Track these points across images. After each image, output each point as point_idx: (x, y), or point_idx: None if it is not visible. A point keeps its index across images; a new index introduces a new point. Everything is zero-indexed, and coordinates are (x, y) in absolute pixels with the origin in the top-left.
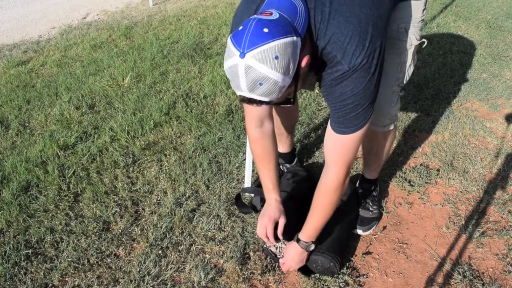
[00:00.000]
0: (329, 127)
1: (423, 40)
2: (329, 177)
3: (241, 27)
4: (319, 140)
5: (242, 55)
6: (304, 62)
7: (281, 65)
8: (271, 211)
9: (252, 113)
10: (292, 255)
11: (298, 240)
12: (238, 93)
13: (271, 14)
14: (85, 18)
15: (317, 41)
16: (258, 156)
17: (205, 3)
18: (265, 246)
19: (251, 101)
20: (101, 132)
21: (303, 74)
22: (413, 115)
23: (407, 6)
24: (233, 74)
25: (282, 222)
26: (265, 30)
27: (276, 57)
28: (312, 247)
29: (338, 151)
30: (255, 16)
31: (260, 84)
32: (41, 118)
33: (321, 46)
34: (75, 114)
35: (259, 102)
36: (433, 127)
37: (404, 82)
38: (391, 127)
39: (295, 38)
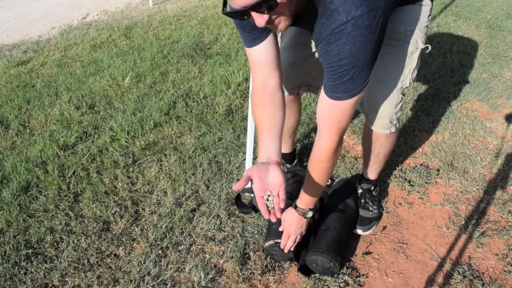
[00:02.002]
0: (322, 94)
1: (428, 45)
2: (322, 145)
3: None
4: None
5: None
6: None
7: None
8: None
9: (258, 67)
10: (290, 221)
11: (295, 207)
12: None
13: None
14: (85, 18)
15: None
16: (258, 119)
17: (205, 3)
18: (265, 245)
19: (254, 7)
20: (101, 132)
21: None
22: (413, 115)
23: (414, 10)
24: None
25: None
26: None
27: None
28: (310, 214)
29: (331, 118)
30: None
31: None
32: (41, 118)
33: None
34: (75, 114)
35: (262, 2)
36: (433, 127)
37: (408, 85)
38: (393, 130)
39: None
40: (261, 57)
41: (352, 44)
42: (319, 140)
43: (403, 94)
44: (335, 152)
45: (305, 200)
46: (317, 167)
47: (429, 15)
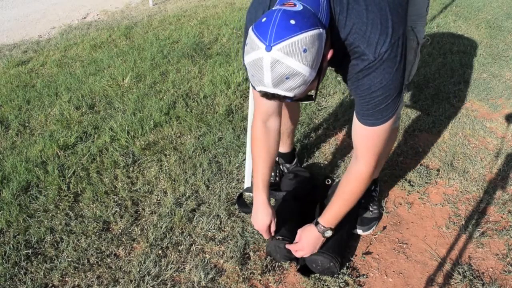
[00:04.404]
0: (355, 120)
1: (427, 38)
2: (359, 169)
3: (264, 19)
4: (319, 140)
5: (269, 48)
6: (329, 55)
7: (310, 58)
8: (262, 217)
9: (262, 107)
10: (308, 238)
11: (316, 223)
12: (260, 88)
13: (294, 5)
14: (85, 18)
15: (337, 33)
16: (257, 153)
17: (205, 3)
18: (276, 238)
19: (274, 96)
20: (101, 132)
21: (325, 68)
22: (413, 115)
23: (413, 4)
24: (256, 68)
25: (272, 224)
26: (292, 21)
27: (305, 50)
28: (329, 233)
29: (367, 143)
30: (279, 7)
31: (287, 78)
32: (41, 118)
33: (342, 37)
34: (75, 114)
35: (283, 98)
36: (433, 127)
37: (409, 80)
38: (395, 125)
39: (321, 30)
40: (266, 106)
41: (381, 77)
42: (355, 163)
43: (405, 89)
44: (371, 174)
45: (328, 219)
46: (350, 189)
47: (427, 6)
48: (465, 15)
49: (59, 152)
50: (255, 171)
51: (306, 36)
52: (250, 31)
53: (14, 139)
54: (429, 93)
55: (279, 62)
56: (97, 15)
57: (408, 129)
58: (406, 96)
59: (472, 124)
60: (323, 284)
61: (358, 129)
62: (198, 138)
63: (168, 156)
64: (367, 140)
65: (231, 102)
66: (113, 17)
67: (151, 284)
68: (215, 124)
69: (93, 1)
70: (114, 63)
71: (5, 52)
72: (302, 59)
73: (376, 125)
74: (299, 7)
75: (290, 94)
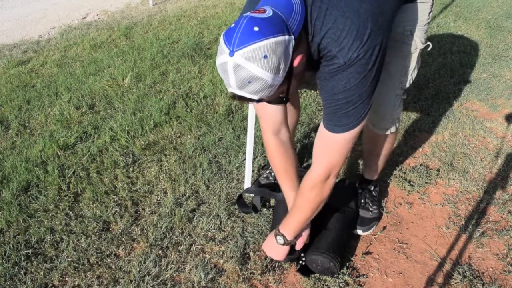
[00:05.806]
0: (321, 123)
1: (428, 43)
2: (310, 174)
3: (233, 25)
4: None
5: (231, 53)
6: (297, 61)
7: (270, 64)
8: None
9: (267, 120)
10: (268, 238)
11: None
12: (229, 90)
13: (264, 11)
14: (85, 18)
15: (313, 38)
16: (280, 166)
17: (205, 3)
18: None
19: (241, 98)
20: (101, 132)
21: (298, 73)
22: (413, 115)
23: (414, 9)
24: (223, 71)
25: (306, 233)
26: (256, 28)
27: (265, 56)
28: (280, 239)
29: (323, 148)
30: (248, 13)
31: (249, 82)
32: (41, 118)
33: (317, 42)
34: (75, 114)
35: (249, 100)
36: (433, 127)
37: (408, 85)
38: (393, 130)
39: (287, 37)
40: (271, 117)
41: (346, 81)
42: (310, 168)
43: (404, 95)
44: (319, 185)
45: (285, 226)
46: (301, 194)
47: (430, 12)
48: (465, 15)
49: (59, 152)
50: (283, 184)
51: (268, 43)
52: (221, 36)
53: (14, 139)
54: (429, 93)
55: (241, 67)
56: (97, 15)
57: (408, 129)
58: (407, 96)
59: (472, 124)
60: (323, 284)
61: (320, 132)
62: (198, 138)
63: (168, 156)
64: (324, 144)
65: (231, 102)
66: (113, 17)
67: (151, 284)
68: (215, 124)
69: (93, 1)
70: (114, 63)
71: (5, 52)
72: (262, 65)
73: (335, 132)
74: (268, 13)
75: (255, 97)
